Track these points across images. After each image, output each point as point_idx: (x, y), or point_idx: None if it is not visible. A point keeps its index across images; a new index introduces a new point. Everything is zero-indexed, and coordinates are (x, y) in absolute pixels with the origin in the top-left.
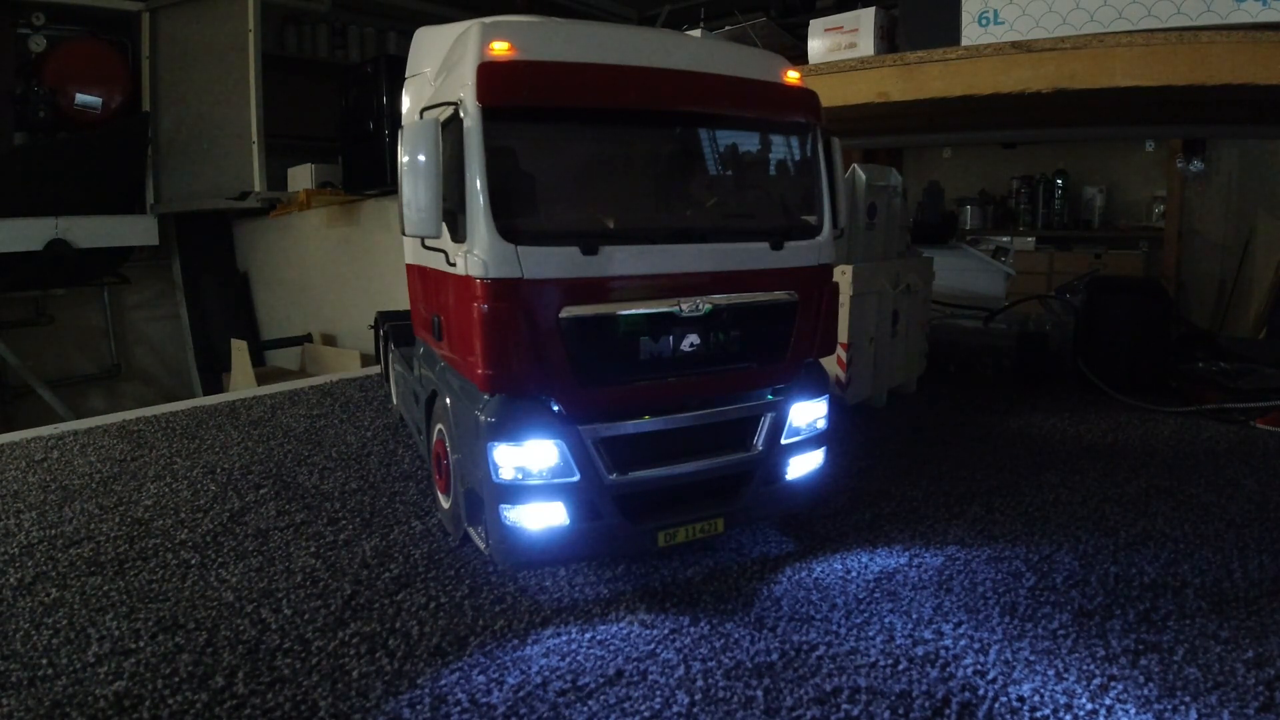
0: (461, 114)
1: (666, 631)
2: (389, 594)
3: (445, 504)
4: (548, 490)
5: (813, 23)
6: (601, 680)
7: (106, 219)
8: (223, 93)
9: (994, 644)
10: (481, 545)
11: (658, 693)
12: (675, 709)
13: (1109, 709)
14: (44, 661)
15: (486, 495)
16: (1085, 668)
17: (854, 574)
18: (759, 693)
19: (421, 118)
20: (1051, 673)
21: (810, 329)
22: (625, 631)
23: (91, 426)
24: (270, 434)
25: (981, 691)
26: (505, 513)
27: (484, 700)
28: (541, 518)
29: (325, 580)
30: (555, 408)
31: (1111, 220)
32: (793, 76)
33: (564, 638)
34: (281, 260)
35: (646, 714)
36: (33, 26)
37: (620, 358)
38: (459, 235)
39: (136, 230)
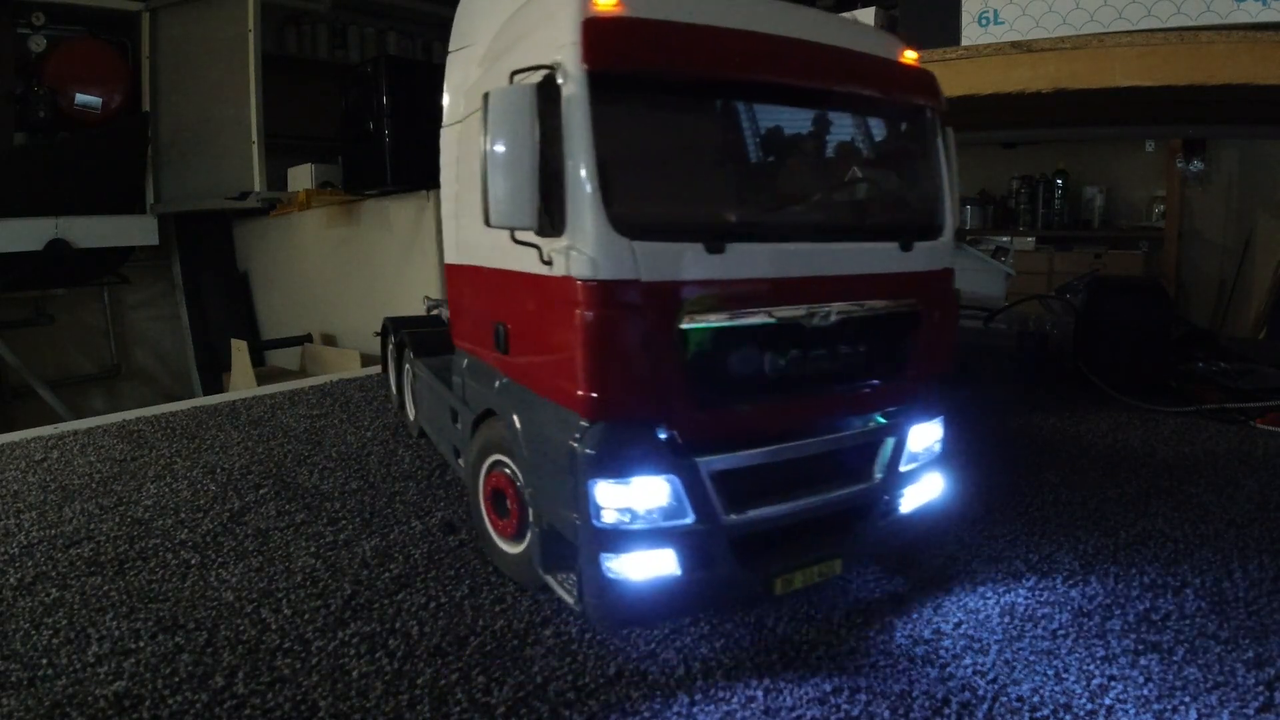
0: (559, 80)
1: (667, 631)
2: (389, 594)
3: (509, 548)
4: (657, 535)
5: None
6: (601, 680)
7: (106, 219)
8: (223, 93)
9: (994, 644)
10: (569, 599)
11: (658, 693)
12: (675, 709)
13: (1109, 709)
14: (44, 661)
15: (583, 541)
16: (1085, 668)
17: (854, 574)
18: (759, 692)
19: (511, 83)
20: (1051, 673)
21: (932, 341)
22: (625, 632)
23: (91, 426)
24: (270, 434)
25: (981, 691)
26: (606, 562)
27: (484, 700)
28: (648, 568)
29: (325, 580)
30: (665, 436)
31: (1111, 220)
32: (910, 56)
33: (564, 638)
34: (281, 260)
35: (646, 714)
36: (33, 26)
37: (743, 376)
38: (554, 228)
39: (136, 230)
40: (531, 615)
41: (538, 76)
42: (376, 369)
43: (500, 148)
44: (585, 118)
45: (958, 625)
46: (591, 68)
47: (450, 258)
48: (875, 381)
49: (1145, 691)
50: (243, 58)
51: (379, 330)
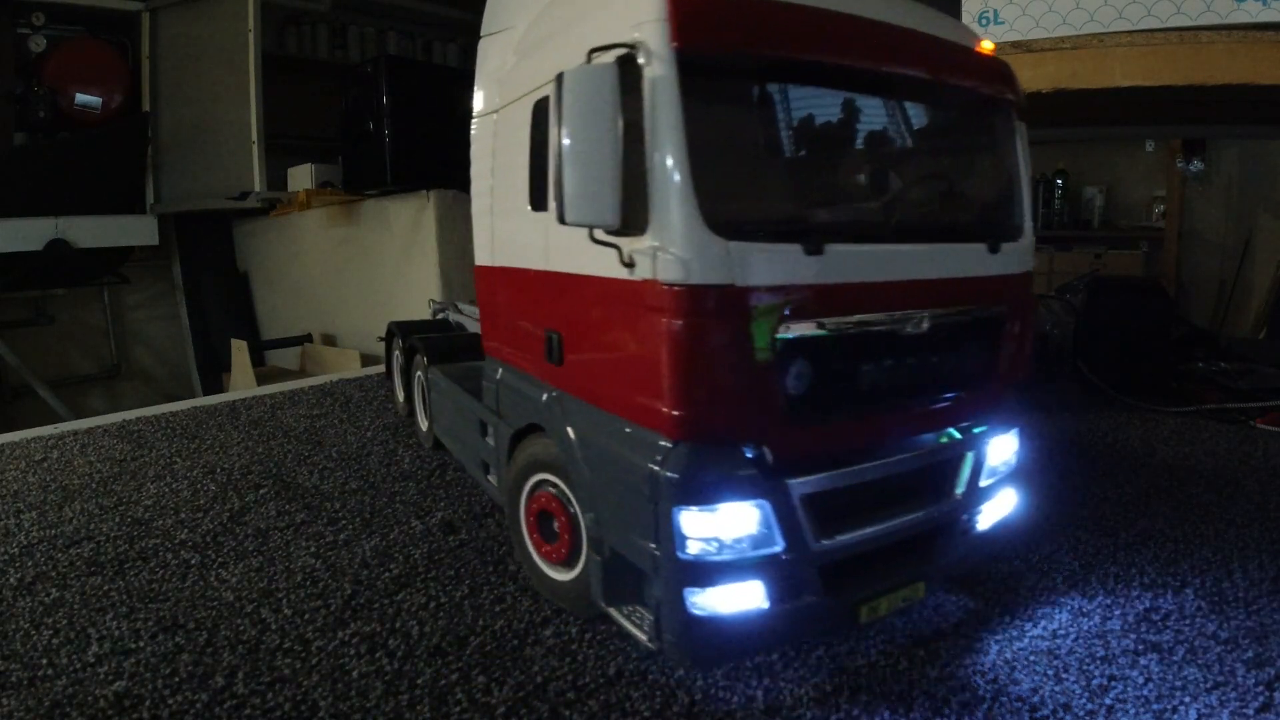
0: (640, 60)
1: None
2: (389, 594)
3: (557, 574)
4: (744, 566)
5: None
6: (601, 680)
7: (106, 219)
8: (223, 93)
9: (993, 644)
10: (640, 635)
11: (658, 693)
12: (675, 709)
13: (1109, 709)
14: (44, 661)
15: (663, 574)
16: (1085, 668)
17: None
18: (759, 692)
19: (589, 61)
20: (1051, 673)
21: (1015, 349)
22: (626, 631)
23: (91, 426)
24: (270, 434)
25: (981, 691)
26: (691, 597)
27: (484, 700)
28: (735, 602)
29: (325, 580)
30: (753, 456)
31: (1111, 220)
32: (987, 47)
33: (564, 638)
34: (281, 260)
35: (646, 714)
36: (33, 26)
37: (838, 389)
38: (636, 226)
39: (136, 230)
40: (531, 615)
41: (609, 57)
42: (376, 369)
43: (577, 136)
44: (675, 103)
45: (957, 626)
46: (682, 47)
47: (482, 259)
48: (962, 392)
49: (1145, 691)
50: (243, 58)
51: (383, 335)
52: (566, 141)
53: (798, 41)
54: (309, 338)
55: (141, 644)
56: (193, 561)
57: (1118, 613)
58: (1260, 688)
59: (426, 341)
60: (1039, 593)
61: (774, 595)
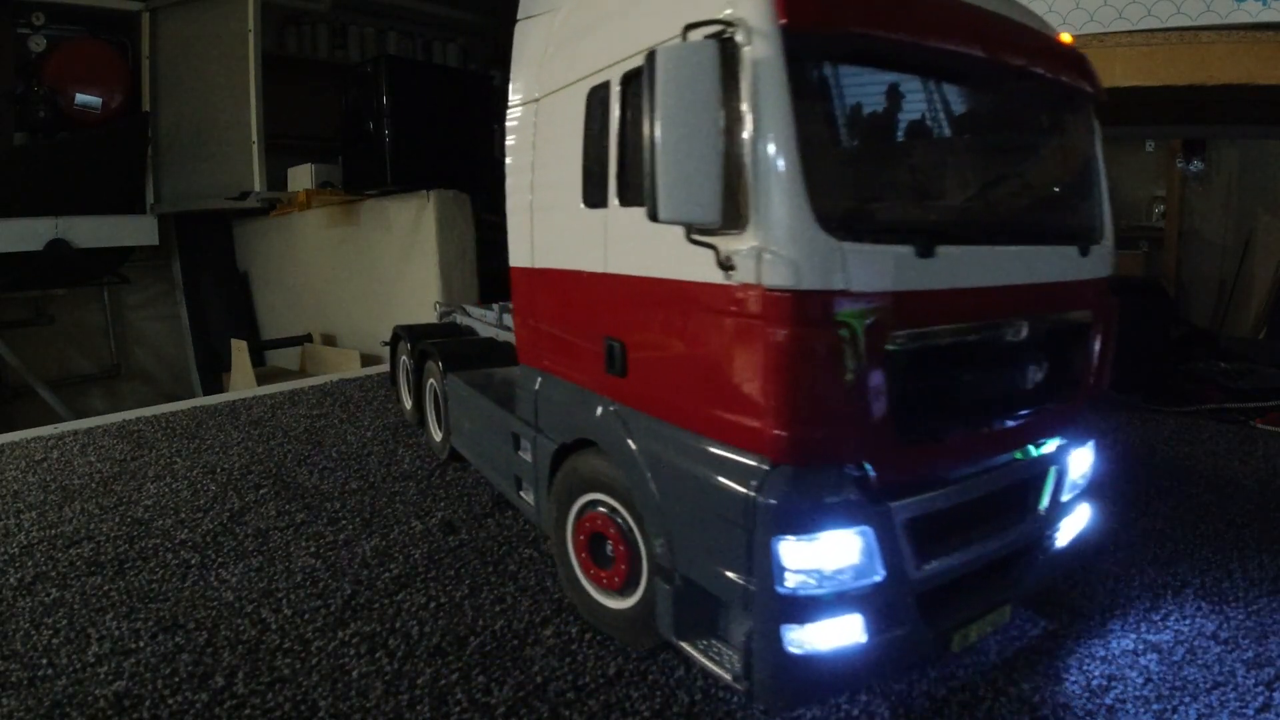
0: (740, 39)
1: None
2: (389, 594)
3: (611, 602)
4: (845, 599)
5: None
6: (601, 680)
7: (106, 219)
8: (223, 93)
9: (993, 644)
10: (722, 674)
11: (658, 693)
12: (675, 709)
13: (1109, 709)
14: (44, 661)
15: (758, 610)
16: (1085, 668)
17: None
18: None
19: (685, 38)
20: (1051, 673)
21: (1100, 357)
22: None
23: (91, 426)
24: (270, 434)
25: (980, 692)
26: (789, 634)
27: (484, 700)
28: (834, 637)
29: (325, 580)
30: (856, 477)
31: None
32: (1066, 38)
33: (564, 637)
34: (281, 260)
35: (646, 714)
36: (33, 26)
37: (943, 404)
38: (733, 223)
39: (136, 230)
40: (531, 615)
41: (699, 35)
42: (376, 369)
43: (674, 122)
44: (781, 85)
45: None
46: (790, 25)
47: (519, 260)
48: (1052, 403)
49: (1145, 692)
50: (243, 58)
51: (388, 340)
52: (660, 129)
53: (908, 23)
54: (309, 338)
55: (141, 644)
56: (193, 561)
57: (1117, 613)
58: (1260, 688)
59: (441, 347)
60: (1038, 593)
61: (873, 628)
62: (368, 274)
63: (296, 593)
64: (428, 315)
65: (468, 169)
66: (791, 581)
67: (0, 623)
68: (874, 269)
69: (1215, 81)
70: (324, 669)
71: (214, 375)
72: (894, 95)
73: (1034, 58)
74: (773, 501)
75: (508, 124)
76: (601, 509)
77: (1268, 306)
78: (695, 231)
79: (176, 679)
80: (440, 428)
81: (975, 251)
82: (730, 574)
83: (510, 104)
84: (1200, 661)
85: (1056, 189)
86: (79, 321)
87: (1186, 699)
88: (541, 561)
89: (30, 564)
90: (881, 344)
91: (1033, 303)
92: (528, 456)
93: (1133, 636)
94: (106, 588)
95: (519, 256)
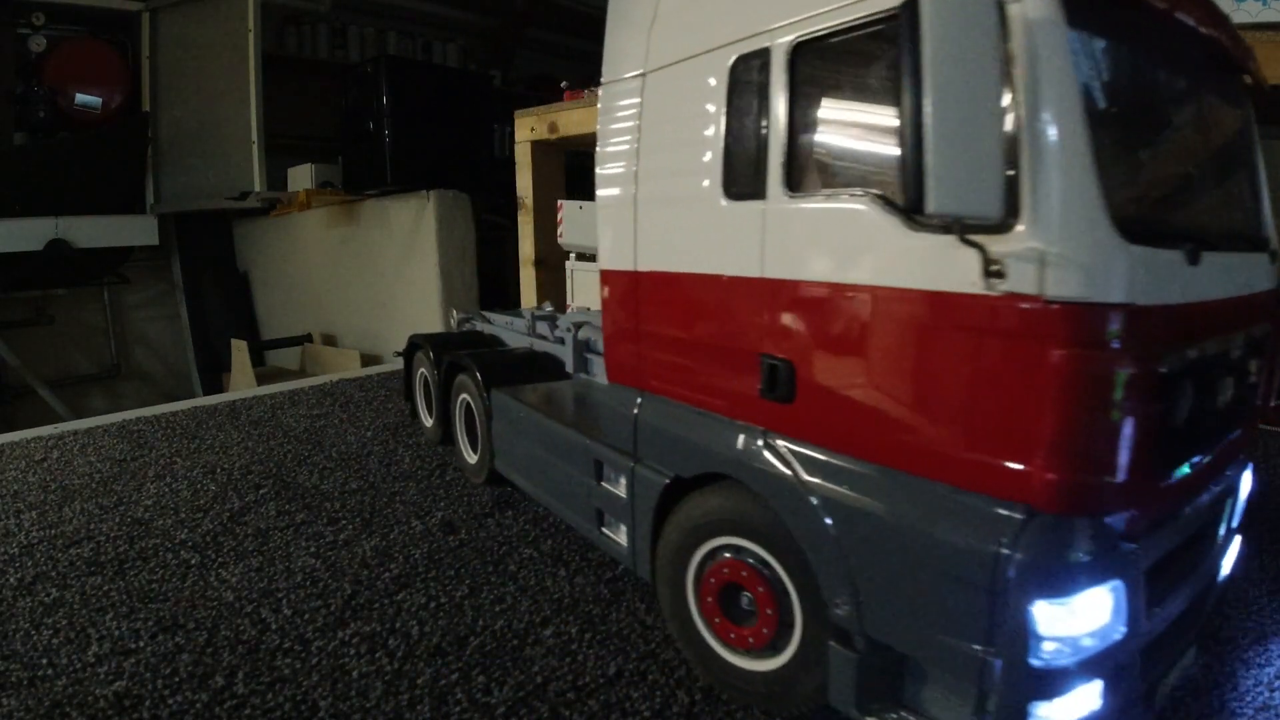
0: None
1: (668, 631)
2: (389, 594)
3: (748, 664)
4: (1089, 663)
5: None
6: (601, 680)
7: (106, 219)
8: (223, 93)
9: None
10: None
11: (658, 693)
12: (675, 709)
13: None
14: (44, 661)
15: (1004, 686)
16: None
17: None
18: None
19: None
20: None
21: (1272, 373)
22: (626, 631)
23: (91, 426)
24: (270, 434)
25: None
26: (1037, 711)
27: (484, 700)
28: (1078, 708)
29: (325, 580)
30: (1113, 525)
31: None
32: None
33: (564, 637)
34: (281, 260)
35: (646, 714)
36: (33, 26)
37: (1191, 430)
38: (1007, 218)
39: (136, 230)
40: (531, 615)
41: None
42: (376, 369)
43: (949, 92)
44: (1063, 50)
45: None
46: None
47: (615, 262)
48: (1246, 424)
49: None
50: (243, 58)
51: (401, 350)
52: (931, 99)
53: None
54: (309, 338)
55: (141, 644)
56: (193, 561)
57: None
58: (1260, 688)
59: (480, 360)
60: None
61: (1108, 692)
62: (368, 274)
63: (296, 593)
64: (429, 315)
65: (468, 169)
66: (1047, 651)
67: (0, 623)
68: (1157, 278)
69: None
70: (324, 669)
71: (214, 375)
72: (1162, 72)
73: (1237, 44)
74: (1030, 559)
75: (600, 104)
76: (737, 555)
77: None
78: (966, 229)
79: (176, 679)
80: (475, 448)
81: (1220, 258)
82: (958, 642)
83: (604, 80)
84: (1199, 661)
85: (1252, 191)
86: (79, 321)
87: (1187, 699)
88: (541, 561)
89: (30, 564)
90: (1157, 367)
91: (1246, 316)
92: (617, 490)
93: None
94: (106, 588)
95: (614, 257)
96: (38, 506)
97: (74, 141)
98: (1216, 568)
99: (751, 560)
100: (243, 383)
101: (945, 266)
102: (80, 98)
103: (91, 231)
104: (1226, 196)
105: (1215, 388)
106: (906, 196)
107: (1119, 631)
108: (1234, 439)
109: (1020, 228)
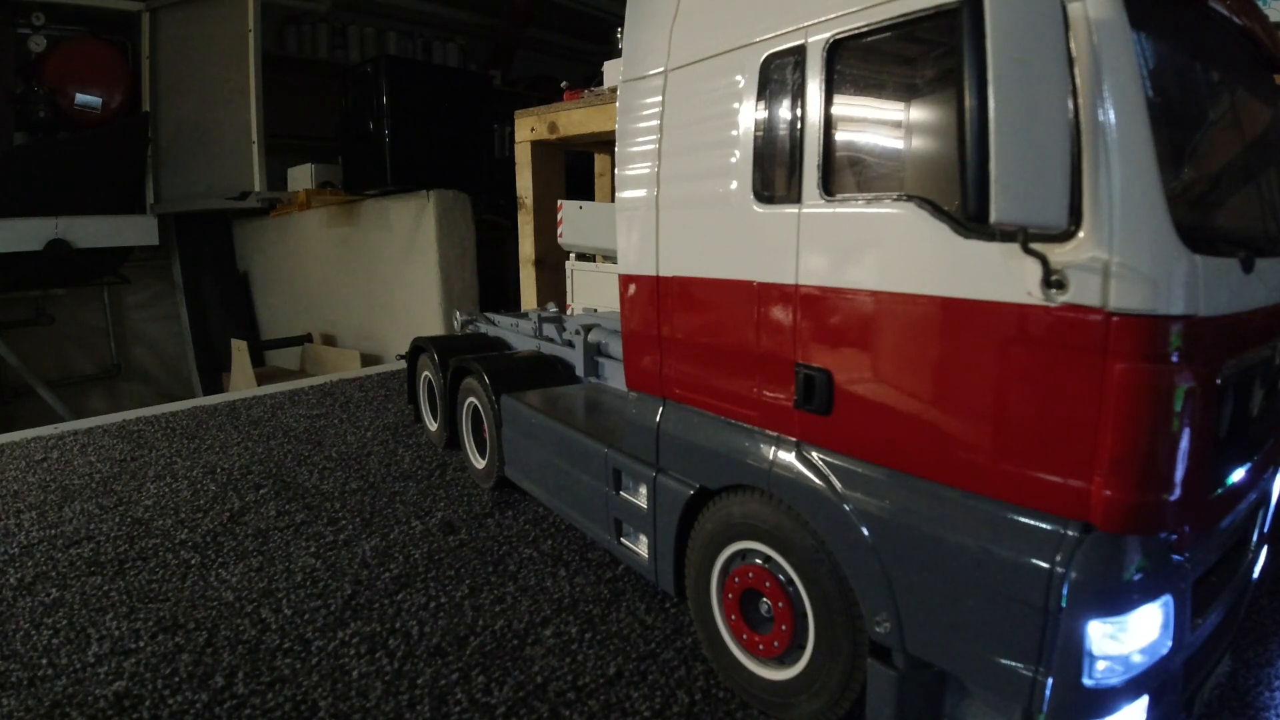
0: None
1: (668, 631)
2: (389, 594)
3: (768, 672)
4: (1137, 681)
5: None
6: (601, 680)
7: (106, 219)
8: (223, 93)
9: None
10: None
11: (658, 693)
12: (675, 709)
13: None
14: (44, 661)
15: (1055, 707)
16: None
17: None
18: None
19: None
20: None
21: None
22: (626, 631)
23: (91, 426)
24: (270, 434)
25: None
26: None
27: (484, 700)
28: None
29: (325, 580)
30: (1168, 539)
31: None
32: None
33: (564, 637)
34: (281, 260)
35: (646, 714)
36: (33, 26)
37: (1237, 439)
38: (1069, 227)
39: (136, 230)
40: (531, 615)
41: None
42: (376, 369)
43: (1014, 94)
44: (1127, 48)
45: None
46: None
47: (635, 266)
48: (1278, 431)
49: None
50: (243, 58)
51: (404, 353)
52: (994, 105)
53: None
54: (309, 338)
55: (141, 644)
56: (193, 561)
57: None
58: (1260, 687)
59: (488, 364)
60: None
61: (1153, 709)
62: (368, 274)
63: (296, 593)
64: (429, 315)
65: (468, 169)
66: (1100, 670)
67: (0, 623)
68: (1215, 287)
69: None
70: (324, 669)
71: (214, 375)
72: (1209, 77)
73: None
74: (1087, 578)
75: (619, 102)
76: (756, 560)
77: None
78: (1029, 238)
79: (176, 679)
80: (483, 454)
81: (1268, 264)
82: (1007, 661)
83: (625, 78)
84: None
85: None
86: (79, 321)
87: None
88: (541, 561)
89: (30, 564)
90: (1215, 379)
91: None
92: (637, 500)
93: None
94: (106, 588)
95: (635, 261)
96: (38, 506)
97: (74, 141)
98: (1250, 575)
99: (765, 564)
100: (243, 383)
101: (999, 276)
102: (80, 98)
103: (91, 231)
104: (1272, 200)
105: (1261, 396)
106: (967, 205)
107: (1166, 646)
108: (1270, 447)
109: (1082, 236)
